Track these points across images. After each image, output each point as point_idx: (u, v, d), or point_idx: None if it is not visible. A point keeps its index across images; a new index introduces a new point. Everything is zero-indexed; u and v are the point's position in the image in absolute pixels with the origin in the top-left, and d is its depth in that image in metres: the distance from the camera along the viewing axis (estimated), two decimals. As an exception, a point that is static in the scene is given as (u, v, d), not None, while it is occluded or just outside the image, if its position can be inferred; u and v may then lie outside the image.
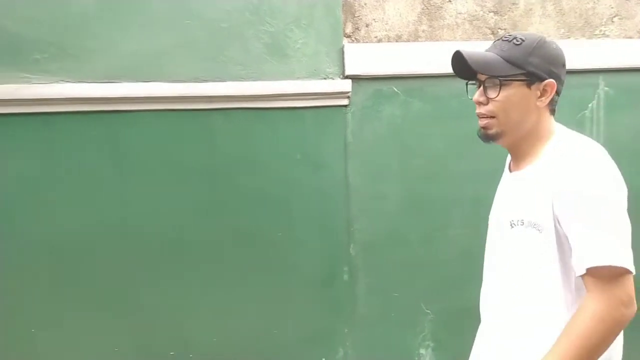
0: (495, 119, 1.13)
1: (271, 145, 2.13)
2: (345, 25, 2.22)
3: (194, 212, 2.07)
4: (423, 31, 2.33)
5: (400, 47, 2.27)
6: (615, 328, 0.98)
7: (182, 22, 2.00)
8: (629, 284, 1.00)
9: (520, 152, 1.18)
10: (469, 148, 2.07)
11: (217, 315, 2.12)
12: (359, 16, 2.28)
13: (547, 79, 1.11)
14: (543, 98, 1.13)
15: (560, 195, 1.04)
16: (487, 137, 1.17)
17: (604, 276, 0.99)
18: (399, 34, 2.31)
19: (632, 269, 1.00)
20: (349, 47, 2.17)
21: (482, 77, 1.14)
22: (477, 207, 1.91)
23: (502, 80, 1.11)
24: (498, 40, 1.16)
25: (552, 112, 1.17)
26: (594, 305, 0.98)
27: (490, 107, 1.13)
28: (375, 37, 2.30)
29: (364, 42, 2.27)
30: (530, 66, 1.10)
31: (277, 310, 2.17)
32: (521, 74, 1.11)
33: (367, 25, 2.29)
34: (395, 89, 2.23)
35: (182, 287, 2.09)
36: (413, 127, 2.25)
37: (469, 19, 2.35)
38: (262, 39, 2.08)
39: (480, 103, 1.15)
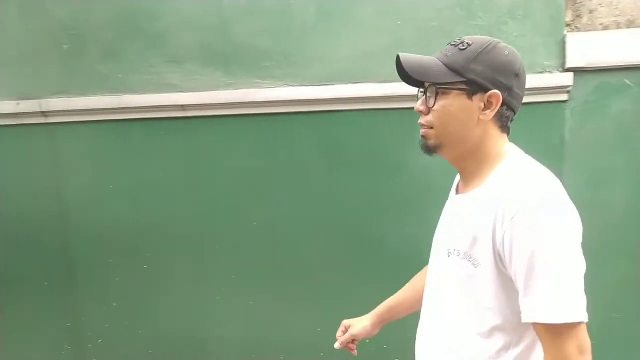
0: (433, 129, 1.02)
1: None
2: (564, 13, 2.03)
3: (394, 208, 2.12)
4: (665, 13, 1.99)
5: (633, 33, 1.98)
6: None
7: (393, 24, 2.07)
8: (582, 334, 0.88)
9: (467, 171, 1.04)
10: None
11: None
12: (581, 2, 2.05)
13: (491, 89, 0.97)
14: (487, 111, 0.98)
15: (503, 228, 0.90)
16: (426, 148, 1.05)
17: (554, 330, 0.88)
18: (632, 19, 2.02)
19: (585, 318, 0.87)
20: (571, 37, 1.97)
21: (427, 85, 1.03)
22: None
23: (438, 88, 0.99)
24: (448, 44, 1.02)
25: (504, 129, 1.03)
26: None
27: (429, 117, 1.02)
28: (601, 24, 2.04)
29: (586, 31, 2.04)
30: (471, 74, 0.96)
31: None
32: (461, 82, 0.97)
33: (590, 12, 2.05)
34: (627, 82, 1.95)
35: (383, 281, 2.15)
36: (648, 125, 1.94)
37: None
38: (473, 35, 2.01)
39: (421, 112, 1.04)
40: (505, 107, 1.00)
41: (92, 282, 2.40)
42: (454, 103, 0.99)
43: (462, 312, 1.01)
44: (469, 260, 0.97)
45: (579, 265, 0.90)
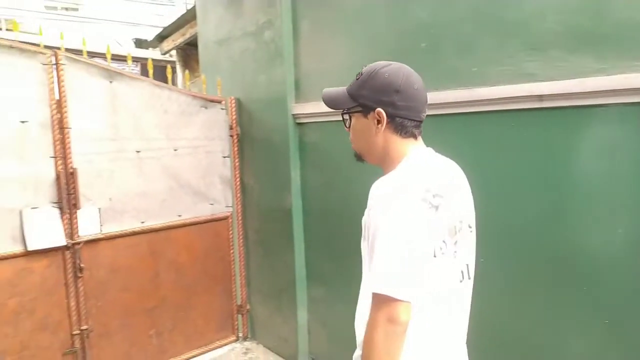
0: (354, 144, 1.37)
1: None
2: None
3: None
4: None
5: None
6: (382, 345, 1.07)
7: None
8: (394, 309, 1.07)
9: (385, 172, 1.28)
10: None
11: None
12: None
13: (376, 107, 1.25)
14: (379, 125, 1.26)
15: (366, 216, 1.19)
16: (356, 157, 1.40)
17: (374, 300, 1.12)
18: None
19: (399, 295, 1.07)
20: None
21: None
22: None
23: (343, 113, 1.35)
24: None
25: (407, 135, 1.27)
26: (367, 327, 1.13)
27: (350, 135, 1.37)
28: None
29: None
30: (361, 98, 1.28)
31: None
32: (356, 105, 1.30)
33: None
34: None
35: None
36: None
37: None
38: None
39: (348, 130, 1.39)
40: (398, 118, 1.25)
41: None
42: (357, 122, 1.33)
43: (362, 289, 1.27)
44: (365, 239, 1.21)
45: (400, 250, 1.10)
